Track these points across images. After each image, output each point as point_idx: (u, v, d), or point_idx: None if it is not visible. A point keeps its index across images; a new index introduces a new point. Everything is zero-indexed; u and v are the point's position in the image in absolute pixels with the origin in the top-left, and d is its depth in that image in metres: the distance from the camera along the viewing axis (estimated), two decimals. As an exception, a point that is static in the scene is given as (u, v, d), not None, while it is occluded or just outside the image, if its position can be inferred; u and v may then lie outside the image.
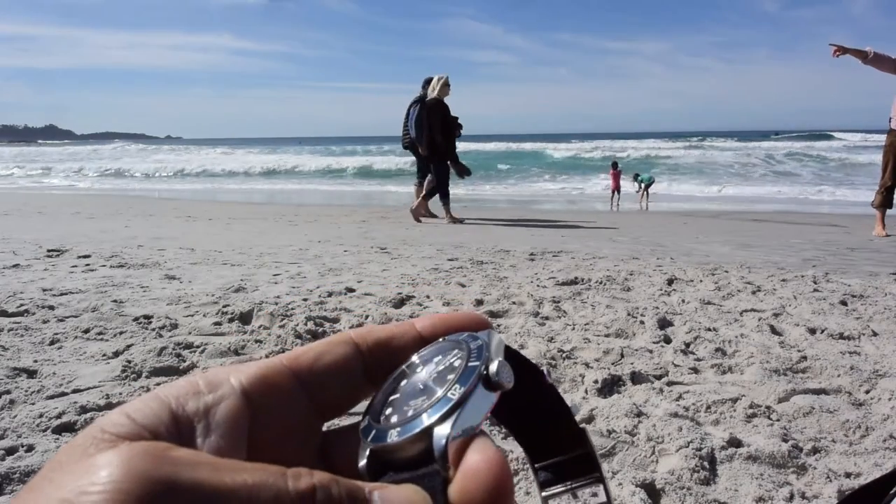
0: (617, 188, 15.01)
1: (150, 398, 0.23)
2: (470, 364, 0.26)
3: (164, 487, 0.18)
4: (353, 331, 0.29)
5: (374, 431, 0.26)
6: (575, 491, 0.31)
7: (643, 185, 14.75)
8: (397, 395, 0.27)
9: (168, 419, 0.22)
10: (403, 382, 0.27)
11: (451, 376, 0.25)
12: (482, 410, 0.25)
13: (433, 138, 8.85)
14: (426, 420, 0.24)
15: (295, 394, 0.26)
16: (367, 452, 0.26)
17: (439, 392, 0.25)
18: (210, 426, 0.23)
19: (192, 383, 0.24)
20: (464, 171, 9.30)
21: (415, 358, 0.28)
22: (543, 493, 0.31)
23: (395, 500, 0.22)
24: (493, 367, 0.25)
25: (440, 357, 0.27)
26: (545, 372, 0.28)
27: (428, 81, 9.19)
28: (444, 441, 0.23)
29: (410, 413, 0.25)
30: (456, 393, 0.25)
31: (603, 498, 0.31)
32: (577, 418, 1.96)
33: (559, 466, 0.31)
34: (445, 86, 8.93)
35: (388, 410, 0.26)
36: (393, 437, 0.24)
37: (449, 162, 9.08)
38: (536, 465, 0.32)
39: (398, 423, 0.25)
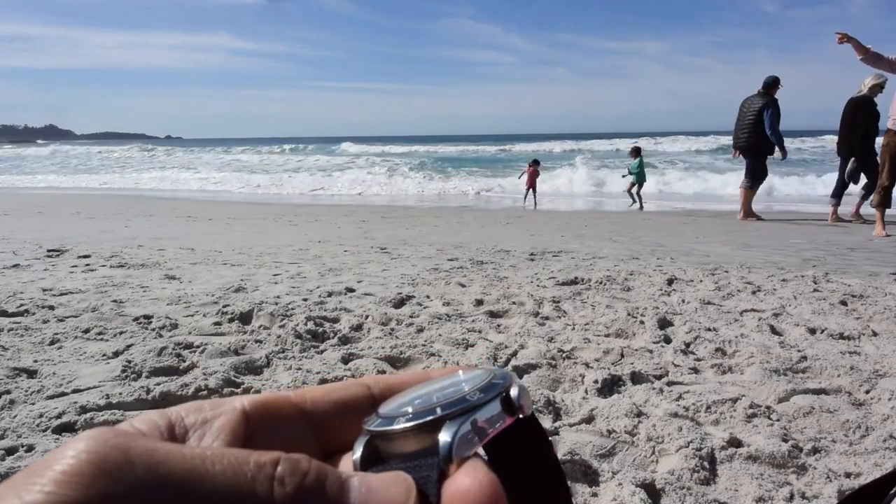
0: (532, 186, 13.78)
1: (155, 411, 0.24)
2: (494, 381, 0.25)
3: (118, 451, 0.19)
4: (368, 377, 0.29)
5: (378, 419, 0.25)
6: None
7: (633, 184, 13.24)
8: (411, 393, 0.26)
9: (165, 427, 0.23)
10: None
11: (472, 386, 0.25)
12: (493, 425, 0.24)
13: (856, 136, 8.51)
14: (439, 412, 0.23)
15: (297, 424, 0.26)
16: (365, 441, 0.25)
17: (458, 394, 0.24)
18: (204, 435, 0.24)
19: (199, 403, 0.25)
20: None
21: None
22: None
23: (374, 485, 0.21)
24: (515, 390, 0.25)
25: (464, 373, 0.27)
26: (553, 443, 0.27)
27: (771, 82, 8.99)
28: (452, 436, 0.23)
29: (423, 405, 0.24)
30: (475, 397, 0.24)
31: None
32: (577, 419, 1.96)
33: None
34: (880, 87, 8.46)
35: (399, 403, 0.25)
36: (400, 422, 0.24)
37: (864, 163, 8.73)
38: None
39: (408, 412, 0.24)
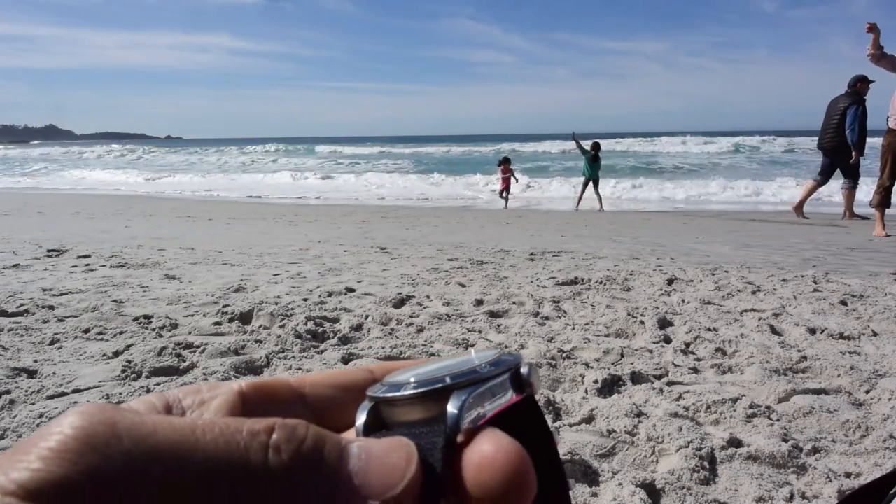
0: (506, 188, 13.11)
1: (153, 394, 0.24)
2: (504, 358, 0.25)
3: (105, 426, 0.18)
4: (372, 363, 0.28)
5: (383, 387, 0.24)
6: None
7: (595, 182, 12.44)
8: (419, 367, 0.26)
9: (162, 407, 0.23)
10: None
11: (482, 360, 0.25)
12: (502, 399, 0.24)
13: None
14: (448, 381, 0.23)
15: (295, 406, 0.26)
16: (369, 408, 0.24)
17: (469, 365, 0.24)
18: (202, 415, 0.24)
19: (197, 386, 0.25)
20: None
21: None
22: None
23: (374, 451, 0.21)
24: (525, 368, 0.25)
25: (475, 352, 0.27)
26: (554, 435, 0.26)
27: (854, 81, 8.85)
28: (459, 405, 0.22)
29: (432, 375, 0.24)
30: (484, 370, 0.24)
31: None
32: (577, 419, 1.96)
33: None
34: None
35: (406, 374, 0.25)
36: (407, 389, 0.23)
37: None
38: None
39: (416, 380, 0.23)
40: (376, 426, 0.24)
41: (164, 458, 0.18)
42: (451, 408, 0.22)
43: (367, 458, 0.21)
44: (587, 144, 12.56)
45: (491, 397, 0.23)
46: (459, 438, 0.22)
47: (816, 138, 9.60)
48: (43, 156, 43.12)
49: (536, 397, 0.26)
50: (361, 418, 0.24)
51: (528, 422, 0.25)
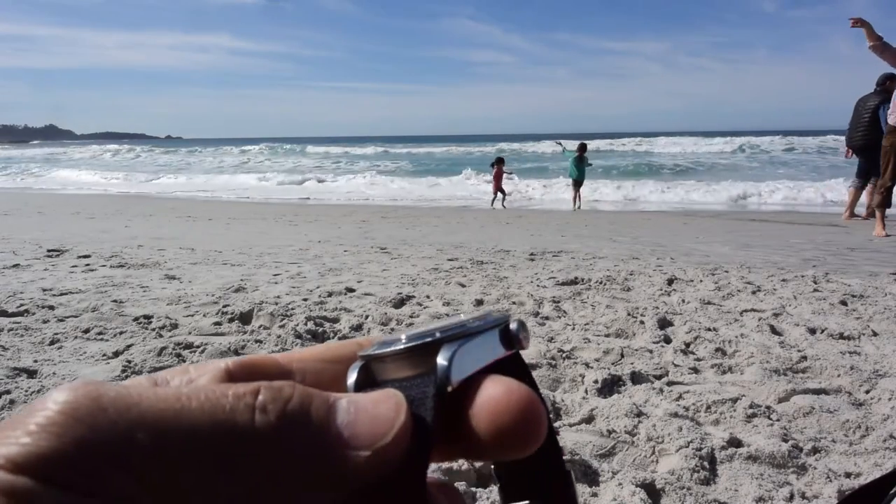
0: (499, 188, 13.09)
1: (142, 376, 0.24)
2: (493, 316, 0.25)
3: (89, 399, 0.19)
4: (363, 337, 0.28)
5: (375, 346, 0.24)
6: None
7: (574, 180, 12.70)
8: (411, 328, 0.26)
9: (150, 386, 0.23)
10: None
11: (471, 317, 0.25)
12: (491, 353, 0.24)
13: None
14: (438, 335, 0.23)
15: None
16: (359, 367, 0.24)
17: (457, 320, 0.24)
18: None
19: (185, 366, 0.25)
20: None
21: None
22: None
23: (362, 404, 0.21)
24: (514, 325, 0.25)
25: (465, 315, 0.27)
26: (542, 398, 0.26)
27: (882, 80, 8.72)
28: (449, 357, 0.22)
29: (421, 330, 0.24)
30: (474, 324, 0.24)
31: None
32: (577, 419, 1.96)
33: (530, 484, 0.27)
34: None
35: (399, 333, 0.25)
36: (397, 345, 0.23)
37: None
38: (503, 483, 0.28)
39: (405, 336, 0.24)
40: (367, 384, 0.24)
41: (149, 425, 0.18)
42: (441, 359, 0.22)
43: (356, 411, 0.21)
44: (573, 146, 12.75)
45: (480, 352, 0.24)
46: (450, 389, 0.22)
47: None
48: (36, 156, 43.26)
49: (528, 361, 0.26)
50: (352, 377, 0.24)
51: (516, 378, 0.25)
